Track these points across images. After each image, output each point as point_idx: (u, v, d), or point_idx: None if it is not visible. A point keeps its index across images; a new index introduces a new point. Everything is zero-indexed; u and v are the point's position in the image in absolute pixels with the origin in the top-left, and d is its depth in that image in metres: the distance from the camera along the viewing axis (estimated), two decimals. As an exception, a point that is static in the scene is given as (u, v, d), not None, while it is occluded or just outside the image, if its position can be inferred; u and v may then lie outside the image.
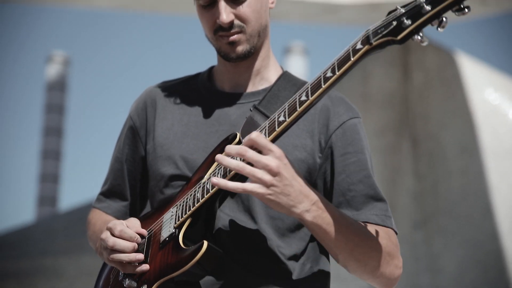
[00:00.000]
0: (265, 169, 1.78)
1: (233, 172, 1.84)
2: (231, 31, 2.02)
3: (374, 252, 1.92)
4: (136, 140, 2.18)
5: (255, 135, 1.79)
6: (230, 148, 1.81)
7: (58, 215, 19.99)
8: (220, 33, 2.03)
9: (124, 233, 1.94)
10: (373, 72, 8.33)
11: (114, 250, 1.93)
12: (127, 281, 1.96)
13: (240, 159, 1.82)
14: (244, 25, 2.02)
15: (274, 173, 1.78)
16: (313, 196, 1.84)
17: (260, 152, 1.80)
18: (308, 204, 1.83)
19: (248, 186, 1.78)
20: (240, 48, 2.04)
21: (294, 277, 2.02)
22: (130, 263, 1.95)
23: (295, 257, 2.03)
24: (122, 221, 2.00)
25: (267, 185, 1.78)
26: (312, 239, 2.06)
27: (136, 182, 2.20)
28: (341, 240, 1.88)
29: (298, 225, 2.03)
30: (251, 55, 2.07)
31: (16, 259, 13.08)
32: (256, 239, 2.00)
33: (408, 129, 8.15)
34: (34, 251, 13.54)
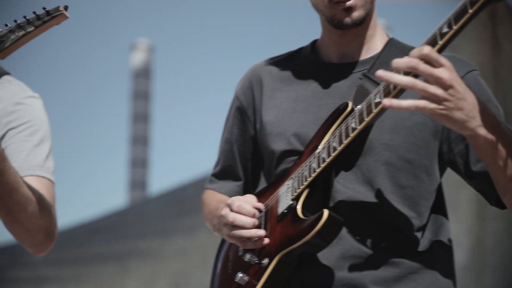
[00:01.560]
0: (437, 83, 1.67)
1: (396, 90, 1.75)
2: None
3: None
4: (244, 119, 2.19)
5: (428, 49, 1.68)
6: (399, 61, 1.69)
7: (149, 199, 20.36)
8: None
9: (242, 208, 1.96)
10: (461, 47, 8.22)
11: (235, 226, 1.96)
12: (247, 256, 1.98)
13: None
14: None
15: (446, 86, 1.67)
16: (486, 110, 1.75)
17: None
18: (482, 119, 1.72)
19: (420, 103, 1.67)
20: (356, 14, 2.02)
21: (421, 249, 2.00)
22: (251, 238, 1.96)
23: (423, 228, 2.00)
24: (240, 197, 2.03)
25: (440, 100, 1.68)
26: (434, 207, 2.03)
27: (247, 161, 2.21)
28: None
29: (430, 192, 2.01)
30: (364, 22, 2.05)
31: (112, 242, 13.43)
32: (379, 210, 1.98)
33: (499, 103, 8.04)
34: (129, 234, 13.89)
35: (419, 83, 1.68)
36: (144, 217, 15.07)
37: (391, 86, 1.79)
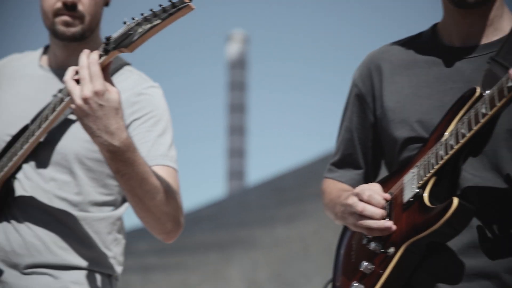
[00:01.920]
0: None
1: None
2: None
3: None
4: (363, 107, 2.14)
5: None
6: None
7: (248, 188, 20.50)
8: None
9: (372, 198, 1.94)
10: None
11: (363, 216, 1.93)
12: (372, 245, 1.96)
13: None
14: None
15: None
16: None
17: None
18: None
19: None
20: None
21: None
22: (378, 229, 1.93)
23: None
24: (365, 185, 2.00)
25: None
26: None
27: (367, 149, 2.16)
28: None
29: None
30: (488, 1, 1.97)
31: (214, 231, 13.62)
32: (508, 197, 1.92)
33: None
34: (229, 223, 14.06)
35: None
36: (243, 206, 15.25)
37: None
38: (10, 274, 2.21)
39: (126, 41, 1.89)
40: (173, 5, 1.86)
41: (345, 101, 2.23)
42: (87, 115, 1.90)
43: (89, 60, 1.92)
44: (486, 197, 1.93)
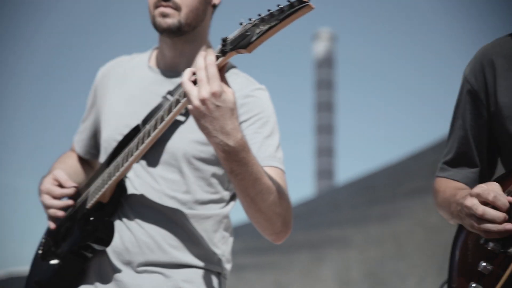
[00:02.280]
0: None
1: None
2: None
3: None
4: (477, 104, 2.10)
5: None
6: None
7: (338, 187, 20.42)
8: None
9: (498, 200, 1.88)
10: None
11: (482, 219, 1.88)
12: (491, 245, 1.91)
13: None
14: None
15: None
16: None
17: None
18: None
19: None
20: None
21: None
22: (499, 232, 1.88)
23: None
24: (487, 185, 1.95)
25: None
26: None
27: (482, 147, 2.12)
28: None
29: None
30: None
31: (305, 230, 13.60)
32: None
33: None
34: (320, 222, 14.02)
35: None
36: (334, 205, 15.18)
37: None
38: (125, 273, 2.24)
39: (243, 42, 1.87)
40: (292, 5, 1.82)
41: (457, 98, 2.18)
42: (204, 115, 1.91)
43: (206, 62, 1.92)
44: None
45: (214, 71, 1.91)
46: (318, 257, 12.42)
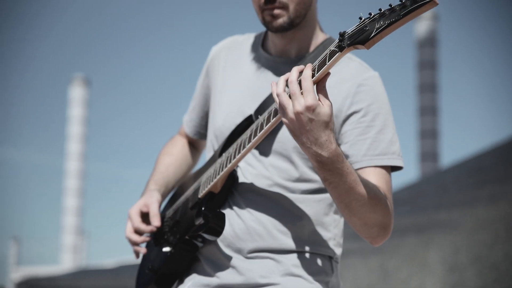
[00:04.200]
0: None
1: None
2: None
3: None
4: None
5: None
6: None
7: (444, 169, 20.04)
8: None
9: None
10: None
11: None
12: None
13: None
14: None
15: None
16: None
17: None
18: None
19: None
20: None
21: None
22: None
23: None
24: None
25: None
26: None
27: None
28: None
29: None
30: None
31: (411, 214, 13.34)
32: None
33: None
34: (426, 205, 13.72)
35: None
36: (440, 188, 14.85)
37: None
38: (236, 259, 2.26)
39: (362, 37, 1.82)
40: (415, 1, 1.73)
41: None
42: (298, 128, 1.93)
43: (303, 75, 1.92)
44: None
45: (308, 84, 1.90)
46: (424, 241, 12.15)
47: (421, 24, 48.71)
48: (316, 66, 1.94)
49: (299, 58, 2.33)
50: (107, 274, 15.95)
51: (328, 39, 2.34)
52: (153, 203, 2.37)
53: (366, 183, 2.09)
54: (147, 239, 2.37)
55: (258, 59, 2.39)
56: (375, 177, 2.18)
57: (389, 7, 1.79)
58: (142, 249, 2.38)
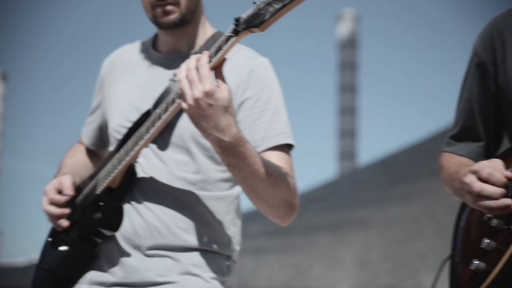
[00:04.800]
0: None
1: None
2: None
3: None
4: (484, 76, 2.06)
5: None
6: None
7: (359, 168, 20.33)
8: None
9: (492, 176, 1.85)
10: None
11: (481, 196, 1.86)
12: (494, 221, 1.88)
13: None
14: None
15: None
16: None
17: None
18: None
19: None
20: None
21: None
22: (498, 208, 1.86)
23: None
24: (486, 162, 1.92)
25: None
26: None
27: (489, 121, 2.08)
28: None
29: None
30: None
31: (325, 212, 13.54)
32: None
33: None
34: (341, 203, 13.95)
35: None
36: (355, 186, 15.11)
37: None
38: (134, 257, 2.24)
39: (257, 21, 1.89)
40: None
41: (465, 71, 2.14)
42: (198, 114, 1.95)
43: (199, 62, 1.96)
44: None
45: (205, 71, 1.94)
46: (338, 239, 12.35)
47: (343, 26, 49.40)
48: (213, 52, 1.97)
49: (191, 53, 2.33)
50: (19, 272, 15.69)
51: (217, 33, 2.38)
52: (65, 178, 2.36)
53: (269, 164, 2.10)
54: (66, 211, 2.34)
55: (149, 59, 2.41)
56: (277, 158, 2.20)
57: None
58: (65, 222, 2.33)
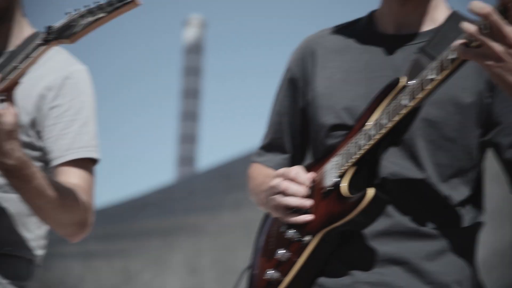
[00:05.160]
0: (501, 40, 1.65)
1: (455, 64, 1.74)
2: None
3: None
4: (295, 91, 2.12)
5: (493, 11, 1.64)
6: (475, 4, 1.65)
7: (197, 174, 20.44)
8: None
9: (299, 176, 1.94)
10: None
11: (286, 194, 1.93)
12: (289, 233, 1.95)
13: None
14: None
15: (510, 45, 1.65)
16: None
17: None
18: None
19: (480, 55, 1.67)
20: None
21: (463, 224, 1.96)
22: (296, 212, 1.93)
23: (462, 204, 1.96)
24: (292, 167, 1.99)
25: (499, 57, 1.66)
26: (476, 188, 1.99)
27: (296, 134, 2.15)
28: None
29: (464, 170, 1.96)
30: None
31: (159, 217, 13.47)
32: (422, 186, 1.93)
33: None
34: (176, 209, 13.92)
35: (482, 36, 1.64)
36: (191, 192, 15.14)
37: (445, 63, 1.75)
38: None
39: (67, 32, 1.89)
40: None
41: (279, 84, 2.20)
42: None
43: None
44: (402, 185, 1.93)
45: None
46: (169, 244, 12.31)
47: (189, 31, 49.58)
48: (9, 70, 1.96)
49: (4, 53, 2.23)
50: None
51: (35, 33, 2.23)
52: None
53: (58, 186, 2.10)
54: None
55: None
56: (75, 174, 2.19)
57: (96, 4, 1.87)
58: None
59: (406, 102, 1.82)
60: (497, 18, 1.62)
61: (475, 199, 2.00)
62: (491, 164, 2.10)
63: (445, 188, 1.94)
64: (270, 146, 2.19)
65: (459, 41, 1.68)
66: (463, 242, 1.95)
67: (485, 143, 1.97)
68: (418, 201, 1.93)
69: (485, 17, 1.63)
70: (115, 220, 12.93)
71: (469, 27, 1.65)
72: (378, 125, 1.87)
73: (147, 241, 12.35)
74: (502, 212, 7.18)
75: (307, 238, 1.92)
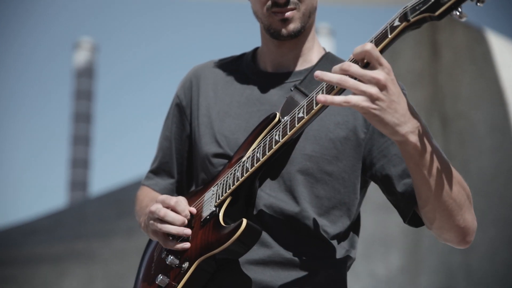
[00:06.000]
0: (371, 83, 1.63)
1: (335, 90, 1.71)
2: (287, 7, 2.01)
3: (461, 196, 1.83)
4: (182, 118, 2.21)
5: (371, 46, 1.64)
6: (335, 67, 1.67)
7: (89, 199, 20.10)
8: (274, 9, 2.02)
9: (178, 205, 1.97)
10: (401, 52, 8.29)
11: (164, 221, 1.97)
12: (169, 259, 1.98)
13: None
14: (299, 2, 2.02)
15: (381, 86, 1.63)
16: (418, 118, 1.72)
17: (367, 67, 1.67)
18: (414, 126, 1.69)
19: (352, 98, 1.63)
20: (292, 26, 2.03)
21: (336, 256, 2.03)
22: (175, 238, 1.98)
23: (338, 237, 2.04)
24: (174, 197, 2.02)
25: (373, 98, 1.63)
26: (353, 220, 2.07)
27: (183, 160, 2.22)
28: (437, 175, 1.76)
29: (344, 202, 2.04)
30: (300, 34, 2.06)
31: (49, 243, 13.20)
32: (298, 218, 2.00)
33: (438, 108, 8.11)
34: (67, 235, 13.66)
35: (349, 80, 1.65)
36: (82, 218, 14.86)
37: (312, 103, 1.80)
38: None
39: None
40: None
41: (168, 110, 2.27)
42: None
43: None
44: (278, 217, 2.00)
45: None
46: (60, 271, 12.07)
47: (80, 54, 48.73)
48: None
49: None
50: None
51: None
52: None
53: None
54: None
55: None
56: None
57: None
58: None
59: (278, 138, 1.89)
60: (356, 68, 1.64)
61: (354, 230, 2.08)
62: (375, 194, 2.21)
63: (322, 221, 2.00)
64: (158, 170, 2.26)
65: (319, 95, 1.70)
66: (334, 273, 2.01)
67: (371, 177, 2.02)
68: (293, 232, 1.99)
69: (343, 71, 1.65)
70: (4, 246, 12.61)
71: (345, 65, 1.65)
72: (253, 158, 1.93)
73: (37, 268, 12.09)
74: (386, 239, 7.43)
75: (185, 264, 1.96)
